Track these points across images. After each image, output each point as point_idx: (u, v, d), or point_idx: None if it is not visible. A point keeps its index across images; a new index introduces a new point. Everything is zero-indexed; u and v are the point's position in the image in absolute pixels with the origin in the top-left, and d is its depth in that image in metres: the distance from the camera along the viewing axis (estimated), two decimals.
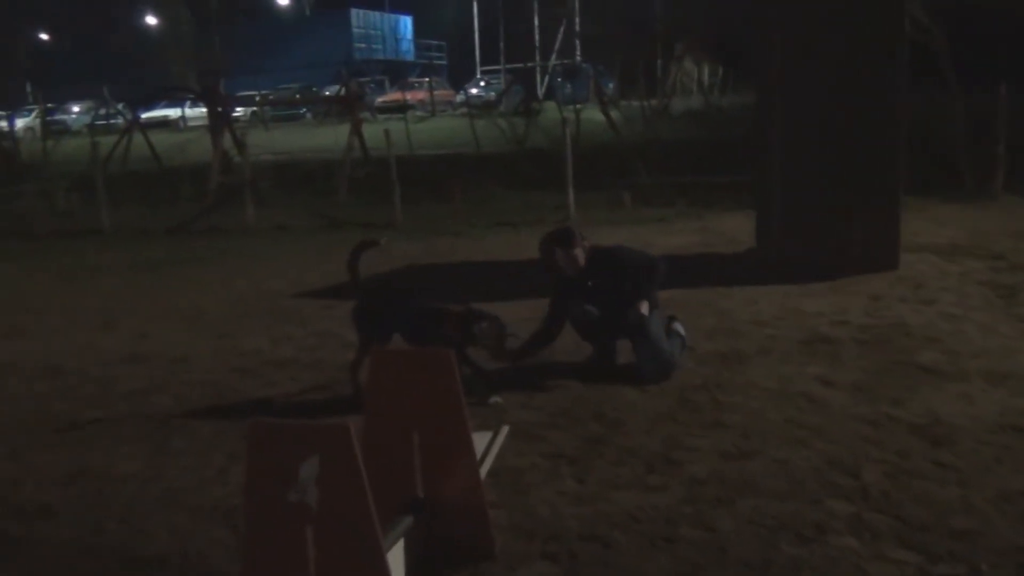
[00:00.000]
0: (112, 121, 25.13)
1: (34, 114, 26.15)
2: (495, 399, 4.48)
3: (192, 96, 23.17)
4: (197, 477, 3.81)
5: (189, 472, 3.87)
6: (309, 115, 32.64)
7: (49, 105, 27.11)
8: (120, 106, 23.69)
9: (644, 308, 4.68)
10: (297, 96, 32.36)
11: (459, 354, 4.29)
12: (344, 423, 2.26)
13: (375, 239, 4.77)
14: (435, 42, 47.95)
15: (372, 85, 36.67)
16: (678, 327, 4.98)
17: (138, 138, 17.17)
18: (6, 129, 20.27)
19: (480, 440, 3.70)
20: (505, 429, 3.94)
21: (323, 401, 4.69)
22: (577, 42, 31.26)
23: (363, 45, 44.90)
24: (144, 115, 25.48)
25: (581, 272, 4.78)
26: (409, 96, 31.19)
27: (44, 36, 44.09)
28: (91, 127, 21.63)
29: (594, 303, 4.83)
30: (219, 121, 15.11)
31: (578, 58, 32.88)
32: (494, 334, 4.43)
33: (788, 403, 4.26)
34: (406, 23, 49.76)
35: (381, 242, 4.81)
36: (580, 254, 4.76)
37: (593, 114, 19.92)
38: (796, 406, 4.21)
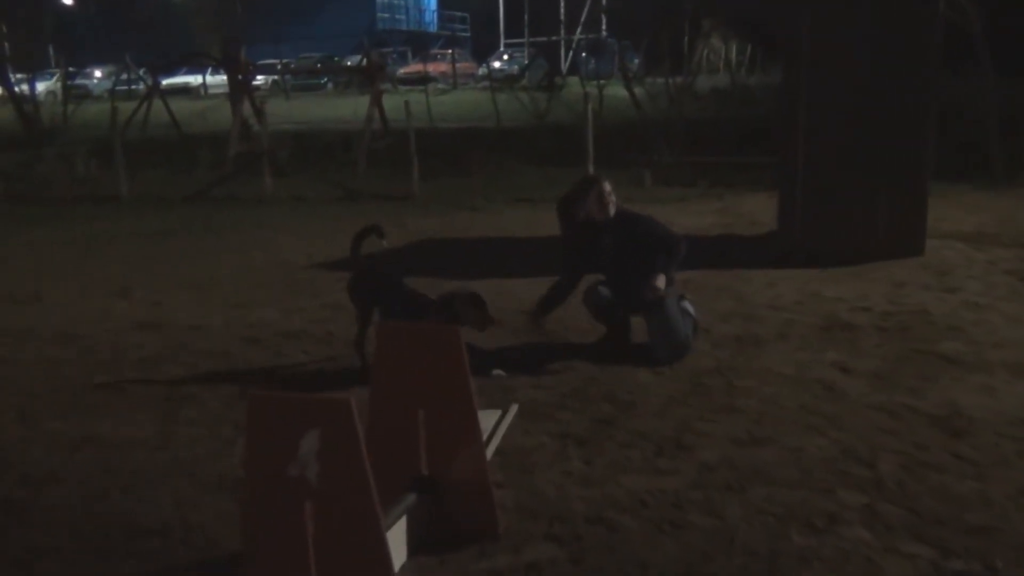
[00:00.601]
0: (133, 87, 25.23)
1: (55, 78, 26.22)
2: (498, 371, 4.48)
3: (213, 63, 23.14)
4: (204, 448, 3.82)
5: (196, 442, 3.87)
6: (330, 85, 32.60)
7: (71, 69, 27.19)
8: (141, 72, 23.73)
9: (660, 282, 4.59)
10: (318, 66, 32.29)
11: None
12: (345, 397, 2.24)
13: (381, 230, 4.76)
14: (459, 14, 47.63)
15: (394, 56, 36.53)
16: (687, 306, 4.90)
17: (158, 104, 17.19)
18: (28, 93, 20.33)
19: (488, 419, 3.68)
20: (514, 408, 3.93)
21: (331, 374, 4.69)
22: (603, 16, 30.94)
23: (386, 15, 44.67)
24: (165, 81, 25.53)
25: (605, 223, 4.69)
26: (431, 68, 31.03)
27: (68, 0, 44.20)
28: (112, 92, 21.67)
29: (607, 269, 4.78)
30: (239, 89, 15.09)
31: (603, 33, 32.55)
32: (473, 309, 4.40)
33: (804, 390, 4.20)
34: None
35: (384, 242, 4.82)
36: (599, 198, 4.67)
37: (617, 90, 19.74)
38: (812, 393, 4.16)
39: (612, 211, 4.70)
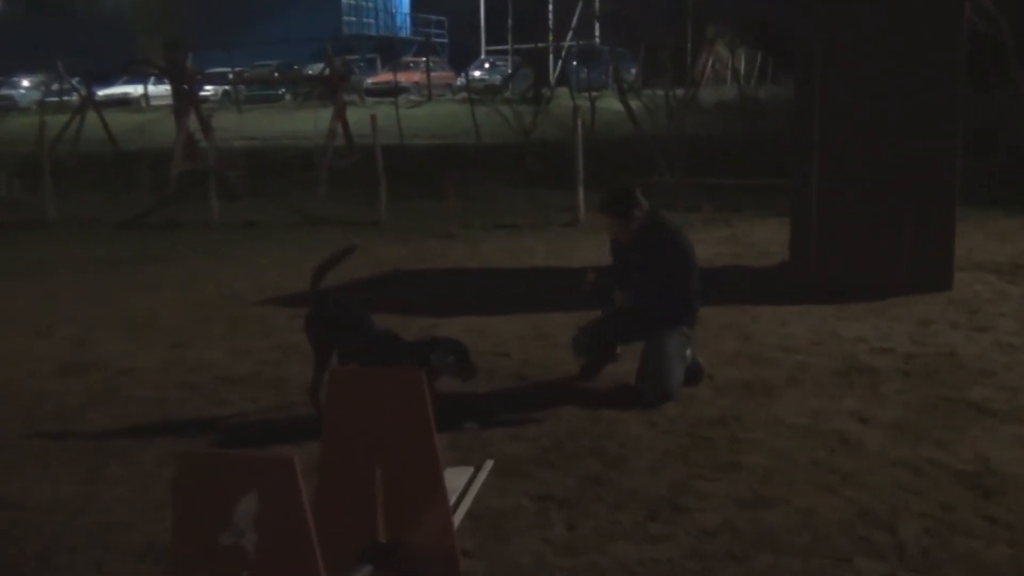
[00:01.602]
0: (66, 98, 25.18)
1: None
2: (470, 424, 4.46)
3: (156, 72, 23.21)
4: (133, 510, 3.76)
5: (124, 504, 3.82)
6: (288, 96, 32.70)
7: None
8: (75, 81, 23.75)
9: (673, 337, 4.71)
10: (275, 75, 32.40)
11: None
12: (288, 456, 2.22)
13: (351, 246, 4.76)
14: (435, 17, 48.06)
15: (361, 64, 36.69)
16: (687, 350, 4.96)
17: (93, 118, 17.17)
18: None
19: (458, 477, 3.66)
20: (488, 464, 3.91)
21: (281, 426, 4.64)
22: (596, 21, 31.27)
23: (352, 18, 45.01)
24: (101, 92, 25.54)
25: (629, 242, 4.86)
26: (403, 78, 31.23)
27: None
28: (41, 104, 21.66)
29: (630, 286, 4.89)
30: (185, 101, 15.12)
31: (596, 39, 32.88)
32: (453, 360, 4.39)
33: (818, 443, 4.20)
34: None
35: (355, 243, 4.81)
36: (622, 224, 4.82)
37: (611, 103, 19.88)
38: (827, 447, 4.16)
39: (627, 232, 4.85)
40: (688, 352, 4.92)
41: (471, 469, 3.87)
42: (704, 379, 5.03)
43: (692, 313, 4.92)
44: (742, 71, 28.07)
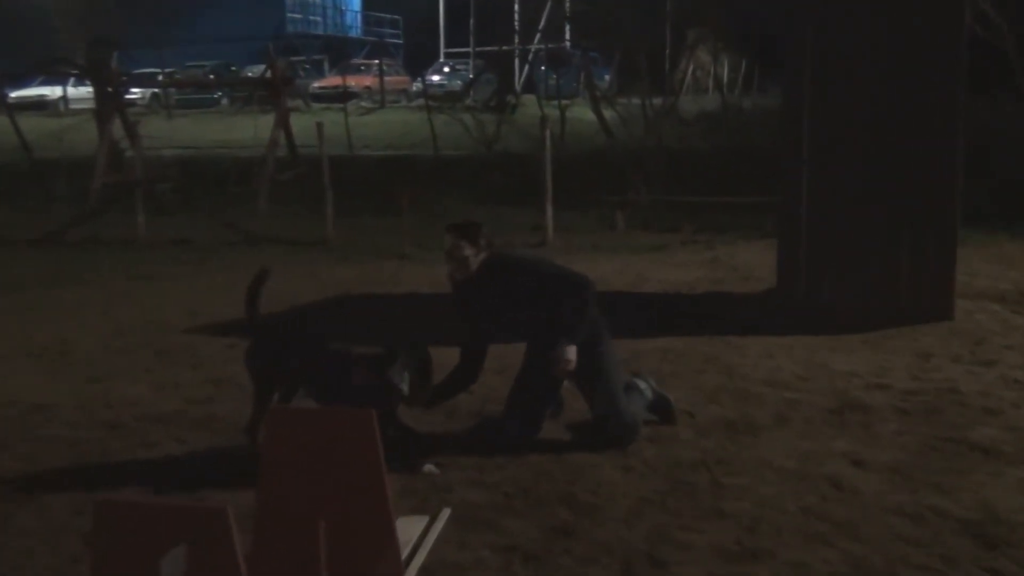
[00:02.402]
0: None
1: None
2: (429, 467, 4.44)
3: (77, 72, 23.05)
4: (44, 565, 3.70)
5: (34, 558, 3.76)
6: (225, 101, 32.61)
7: None
8: None
9: (569, 353, 4.60)
10: (210, 77, 32.30)
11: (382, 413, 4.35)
12: (220, 504, 2.19)
13: (263, 271, 4.80)
14: (389, 16, 48.25)
15: (307, 66, 36.70)
16: (640, 384, 4.97)
17: (4, 122, 17.03)
18: None
19: (411, 527, 3.64)
20: (446, 513, 3.89)
21: (213, 471, 4.58)
22: (566, 23, 31.54)
23: (298, 15, 45.05)
24: (14, 94, 25.28)
25: (476, 280, 4.74)
26: (353, 82, 31.28)
27: None
28: None
29: (500, 337, 4.88)
30: (109, 105, 15.04)
31: (567, 43, 33.15)
32: (416, 371, 4.44)
33: (808, 488, 4.23)
34: None
35: (266, 269, 4.86)
36: (470, 252, 4.68)
37: (583, 112, 20.07)
38: (818, 492, 4.18)
39: (471, 267, 4.71)
40: (639, 383, 4.93)
41: (426, 518, 3.84)
42: (681, 416, 5.04)
43: (580, 309, 4.64)
44: (725, 79, 28.47)
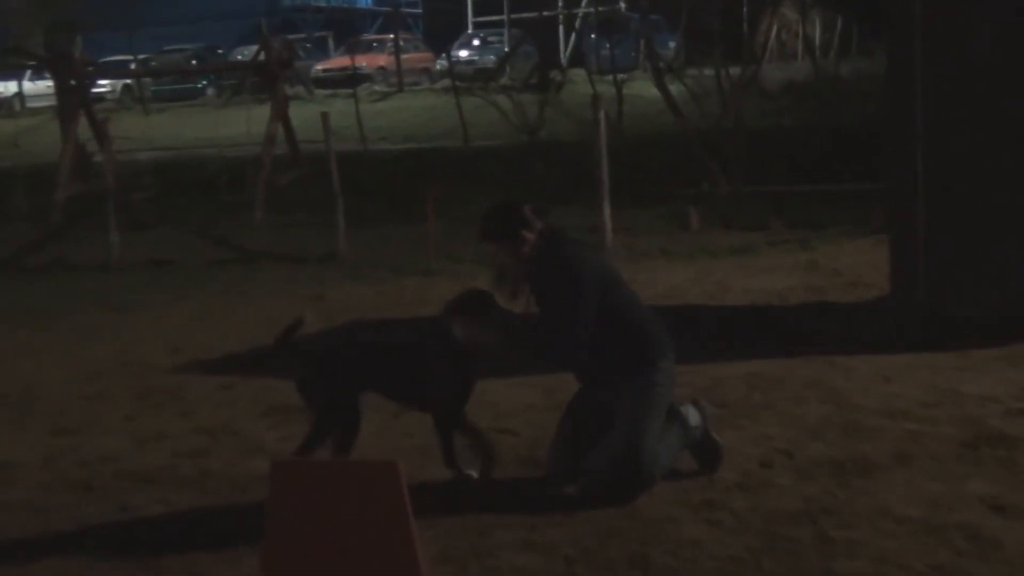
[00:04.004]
0: None
1: None
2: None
3: (33, 64, 23.42)
4: None
5: None
6: (211, 91, 32.97)
7: None
8: None
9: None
10: (193, 63, 32.67)
11: (451, 411, 4.86)
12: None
13: (299, 319, 4.93)
14: None
15: (308, 45, 36.99)
16: (692, 414, 4.89)
17: None
18: None
19: None
20: None
21: (207, 540, 4.58)
22: None
23: None
24: None
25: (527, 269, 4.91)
26: (364, 62, 31.50)
27: None
28: None
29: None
30: (73, 101, 15.22)
31: (621, 5, 33.21)
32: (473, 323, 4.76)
33: (939, 542, 4.17)
34: None
35: (305, 318, 4.99)
36: (509, 248, 4.91)
37: (644, 88, 20.05)
38: (952, 547, 4.12)
39: (528, 256, 4.87)
40: (690, 411, 4.89)
41: None
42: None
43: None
44: (817, 41, 28.31)
